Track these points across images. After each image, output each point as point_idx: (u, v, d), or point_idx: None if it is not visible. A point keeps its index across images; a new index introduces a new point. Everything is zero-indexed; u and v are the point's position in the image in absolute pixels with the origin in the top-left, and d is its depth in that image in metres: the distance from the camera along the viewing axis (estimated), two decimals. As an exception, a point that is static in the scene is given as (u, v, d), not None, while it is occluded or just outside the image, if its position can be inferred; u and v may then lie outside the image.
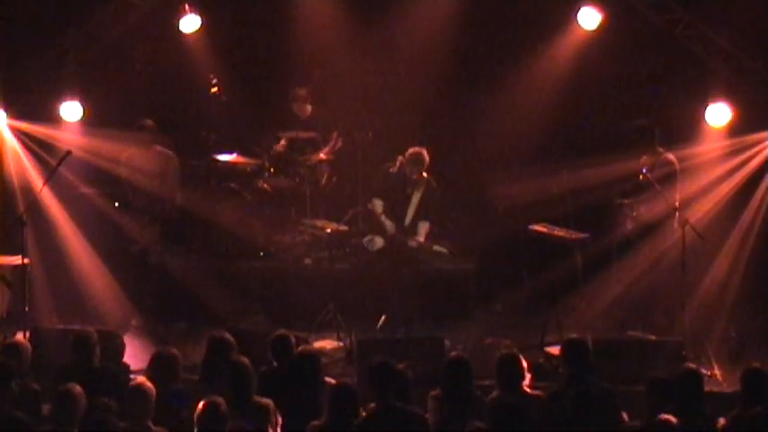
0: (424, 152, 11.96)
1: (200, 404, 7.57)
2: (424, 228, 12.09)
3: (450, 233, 12.74)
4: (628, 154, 11.66)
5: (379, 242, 12.06)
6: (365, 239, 12.11)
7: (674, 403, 7.84)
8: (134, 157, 12.35)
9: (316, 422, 7.71)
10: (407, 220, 12.09)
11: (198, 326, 11.64)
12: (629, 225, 11.62)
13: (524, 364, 8.41)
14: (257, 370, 8.74)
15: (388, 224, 12.05)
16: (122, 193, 12.35)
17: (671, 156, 11.54)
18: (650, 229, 11.46)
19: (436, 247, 12.09)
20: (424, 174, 12.02)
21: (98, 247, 12.43)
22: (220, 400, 7.62)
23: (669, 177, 11.39)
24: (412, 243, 11.98)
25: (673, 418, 7.39)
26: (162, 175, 12.36)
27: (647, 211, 11.47)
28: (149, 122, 12.36)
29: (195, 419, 7.55)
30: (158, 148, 12.41)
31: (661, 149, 11.54)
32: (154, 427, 7.84)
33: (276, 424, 8.05)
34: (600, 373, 8.67)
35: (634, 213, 11.56)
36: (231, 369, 8.25)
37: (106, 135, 12.69)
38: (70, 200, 12.67)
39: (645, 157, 11.54)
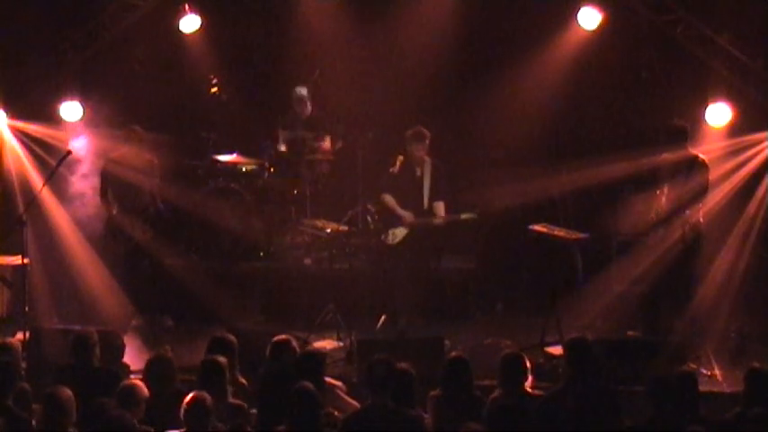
0: (424, 129, 11.97)
1: (186, 398, 7.63)
2: (440, 207, 12.03)
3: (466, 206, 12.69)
4: (629, 153, 11.66)
5: (400, 233, 12.00)
6: (383, 235, 12.06)
7: (675, 401, 7.84)
8: (125, 156, 12.22)
9: (281, 427, 7.71)
10: (425, 202, 12.05)
11: (198, 326, 11.63)
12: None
13: (528, 364, 8.40)
14: (256, 371, 8.76)
15: (406, 213, 12.02)
16: (103, 196, 12.29)
17: (706, 161, 11.33)
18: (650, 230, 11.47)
19: (464, 216, 11.88)
20: (427, 156, 12.03)
21: (94, 245, 12.47)
22: (205, 394, 7.67)
23: (702, 184, 11.26)
24: (438, 221, 11.91)
25: None
26: (148, 175, 12.27)
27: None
28: (137, 129, 12.30)
29: (182, 413, 7.60)
30: (145, 153, 12.28)
31: (693, 151, 11.34)
32: (141, 426, 7.83)
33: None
34: (600, 373, 8.66)
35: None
36: (202, 368, 8.29)
37: (106, 135, 12.72)
38: (69, 199, 12.72)
39: (666, 155, 11.37)
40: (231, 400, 8.22)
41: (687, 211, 11.16)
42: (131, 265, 12.14)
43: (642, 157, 11.52)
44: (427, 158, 12.08)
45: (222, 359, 8.36)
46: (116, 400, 7.95)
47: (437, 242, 12.08)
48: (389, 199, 12.12)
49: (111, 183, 12.18)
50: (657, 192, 11.39)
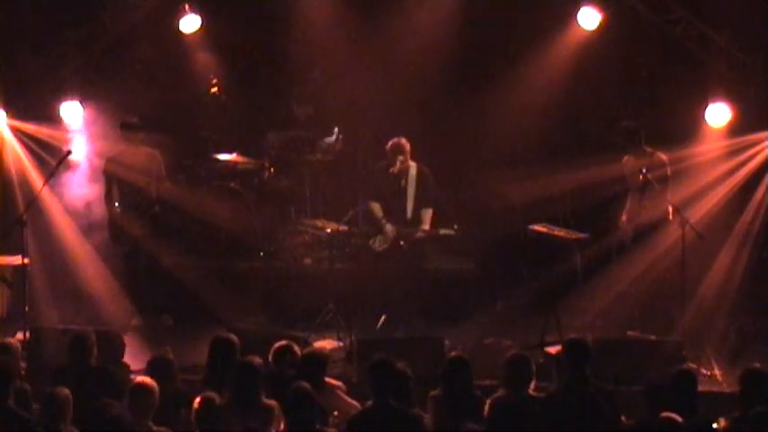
0: (403, 140, 11.95)
1: (197, 400, 7.62)
2: (427, 215, 12.06)
3: (453, 215, 12.70)
4: (619, 155, 11.72)
5: (385, 242, 12.07)
6: (371, 240, 12.08)
7: (670, 404, 7.84)
8: (123, 154, 12.21)
9: (281, 427, 7.69)
10: (409, 212, 12.07)
11: (198, 326, 11.62)
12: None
13: (533, 367, 8.39)
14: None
15: (389, 227, 12.04)
16: (107, 192, 12.27)
17: (664, 156, 11.56)
18: (649, 229, 11.49)
19: (443, 231, 12.00)
20: (411, 162, 12.03)
21: (94, 245, 12.49)
22: (215, 395, 7.68)
23: (662, 177, 11.43)
24: (419, 234, 11.94)
25: (676, 417, 7.39)
26: (149, 172, 12.21)
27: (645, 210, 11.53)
28: (135, 120, 12.26)
29: (193, 415, 7.60)
30: (144, 148, 12.24)
31: (649, 149, 11.58)
32: (155, 428, 7.85)
33: (278, 427, 8.04)
34: (600, 373, 8.67)
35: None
36: (238, 369, 8.25)
37: (106, 135, 12.72)
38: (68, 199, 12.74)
39: (627, 157, 11.60)
40: (265, 400, 8.17)
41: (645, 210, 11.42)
42: (132, 264, 12.13)
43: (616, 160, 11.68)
44: (412, 164, 12.05)
45: (257, 360, 8.32)
46: (128, 398, 7.95)
47: (421, 251, 12.06)
48: (376, 208, 12.13)
49: (114, 181, 12.15)
50: (628, 193, 11.64)
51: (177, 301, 12.29)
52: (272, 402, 8.07)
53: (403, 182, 12.05)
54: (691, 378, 8.17)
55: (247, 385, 8.06)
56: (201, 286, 12.14)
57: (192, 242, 13.10)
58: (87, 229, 12.72)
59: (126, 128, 12.14)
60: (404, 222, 12.04)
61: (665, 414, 7.45)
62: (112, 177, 12.16)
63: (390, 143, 11.98)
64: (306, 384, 7.75)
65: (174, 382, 8.55)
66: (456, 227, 12.05)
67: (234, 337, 9.00)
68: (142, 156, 12.16)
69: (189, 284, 12.18)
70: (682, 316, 11.19)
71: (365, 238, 12.16)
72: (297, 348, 8.94)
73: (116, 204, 12.17)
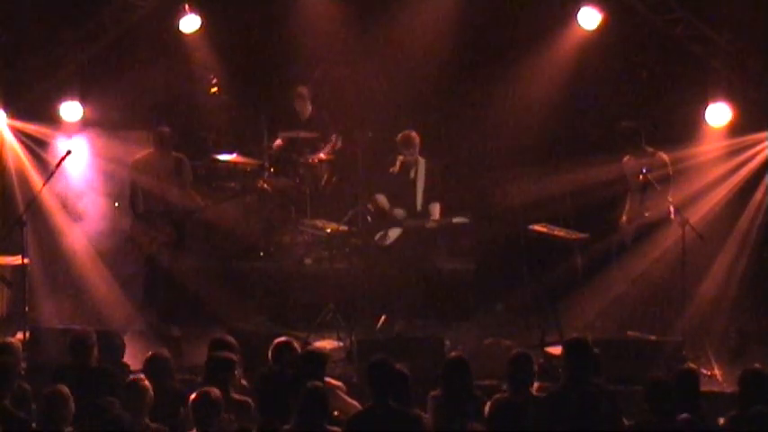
0: (413, 133, 11.95)
1: (193, 395, 7.68)
2: (435, 208, 12.02)
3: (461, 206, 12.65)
4: (619, 155, 11.73)
5: (393, 234, 12.01)
6: (377, 236, 12.05)
7: (673, 403, 7.84)
8: (150, 160, 12.12)
9: (287, 426, 7.72)
10: (419, 205, 12.05)
11: (198, 326, 11.62)
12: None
13: (536, 366, 8.39)
14: (256, 371, 8.76)
15: (398, 212, 12.01)
16: (133, 196, 12.23)
17: (665, 156, 11.57)
18: (650, 230, 11.49)
19: (456, 219, 11.83)
20: (419, 157, 12.01)
21: (104, 249, 12.48)
22: (212, 389, 7.72)
23: (664, 177, 11.43)
24: (430, 224, 11.89)
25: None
26: (179, 179, 12.18)
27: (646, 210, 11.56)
28: (167, 129, 12.14)
29: (190, 409, 7.65)
30: (175, 153, 12.23)
31: (650, 149, 11.59)
32: (152, 425, 7.86)
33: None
34: (600, 373, 8.66)
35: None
36: (211, 363, 8.39)
37: (106, 135, 12.72)
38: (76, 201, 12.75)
39: (627, 157, 11.62)
40: (235, 395, 8.23)
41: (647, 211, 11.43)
42: (150, 270, 12.07)
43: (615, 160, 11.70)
44: (421, 159, 12.06)
45: (231, 355, 8.43)
46: (122, 395, 7.96)
47: (430, 244, 12.05)
48: (382, 199, 12.12)
49: (139, 187, 12.04)
50: (628, 193, 11.69)
51: (177, 302, 12.27)
52: (245, 398, 8.18)
53: (412, 174, 12.05)
54: (693, 377, 8.16)
55: (219, 380, 8.14)
56: (202, 287, 12.13)
57: (192, 243, 13.07)
58: (91, 231, 12.73)
59: (158, 135, 12.08)
60: (414, 213, 12.01)
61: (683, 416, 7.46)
62: (137, 183, 12.07)
63: (400, 135, 11.98)
64: (320, 384, 7.78)
65: (171, 380, 8.56)
66: (470, 215, 11.87)
67: (232, 340, 9.02)
68: (169, 161, 12.10)
69: (189, 285, 12.17)
70: (682, 316, 11.20)
71: (367, 235, 12.14)
72: (296, 344, 8.96)
73: (139, 209, 12.05)
